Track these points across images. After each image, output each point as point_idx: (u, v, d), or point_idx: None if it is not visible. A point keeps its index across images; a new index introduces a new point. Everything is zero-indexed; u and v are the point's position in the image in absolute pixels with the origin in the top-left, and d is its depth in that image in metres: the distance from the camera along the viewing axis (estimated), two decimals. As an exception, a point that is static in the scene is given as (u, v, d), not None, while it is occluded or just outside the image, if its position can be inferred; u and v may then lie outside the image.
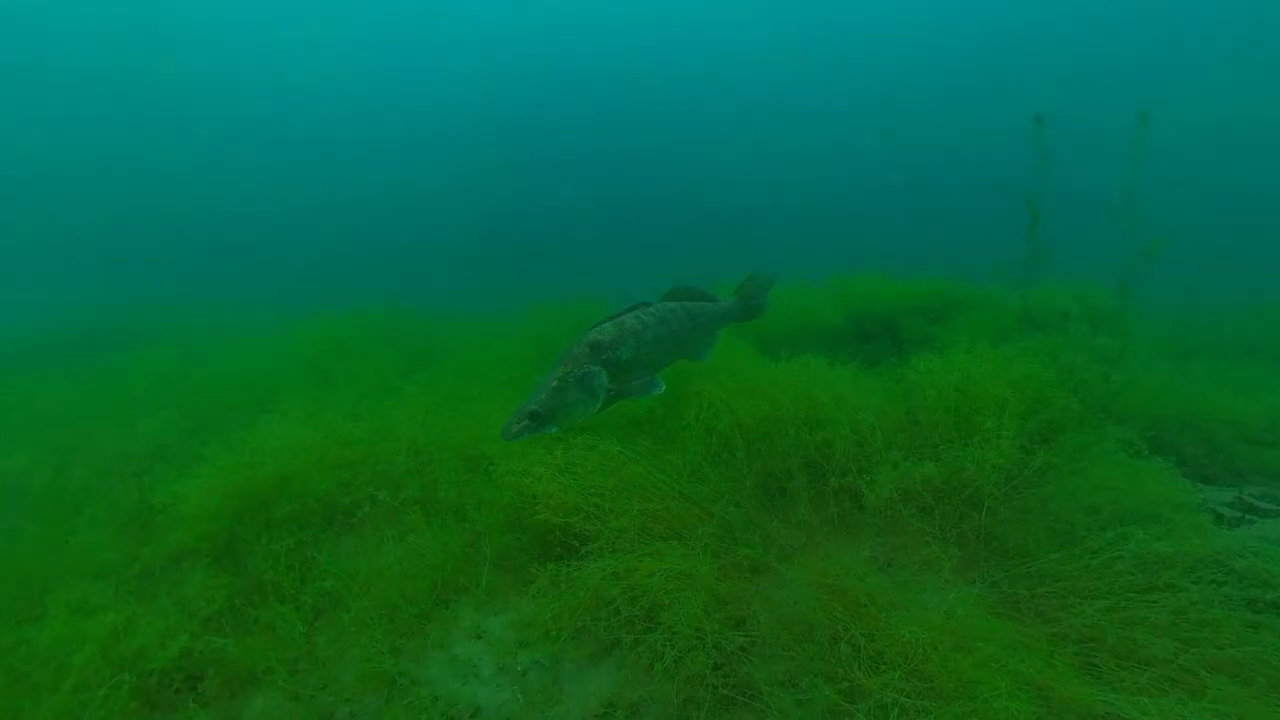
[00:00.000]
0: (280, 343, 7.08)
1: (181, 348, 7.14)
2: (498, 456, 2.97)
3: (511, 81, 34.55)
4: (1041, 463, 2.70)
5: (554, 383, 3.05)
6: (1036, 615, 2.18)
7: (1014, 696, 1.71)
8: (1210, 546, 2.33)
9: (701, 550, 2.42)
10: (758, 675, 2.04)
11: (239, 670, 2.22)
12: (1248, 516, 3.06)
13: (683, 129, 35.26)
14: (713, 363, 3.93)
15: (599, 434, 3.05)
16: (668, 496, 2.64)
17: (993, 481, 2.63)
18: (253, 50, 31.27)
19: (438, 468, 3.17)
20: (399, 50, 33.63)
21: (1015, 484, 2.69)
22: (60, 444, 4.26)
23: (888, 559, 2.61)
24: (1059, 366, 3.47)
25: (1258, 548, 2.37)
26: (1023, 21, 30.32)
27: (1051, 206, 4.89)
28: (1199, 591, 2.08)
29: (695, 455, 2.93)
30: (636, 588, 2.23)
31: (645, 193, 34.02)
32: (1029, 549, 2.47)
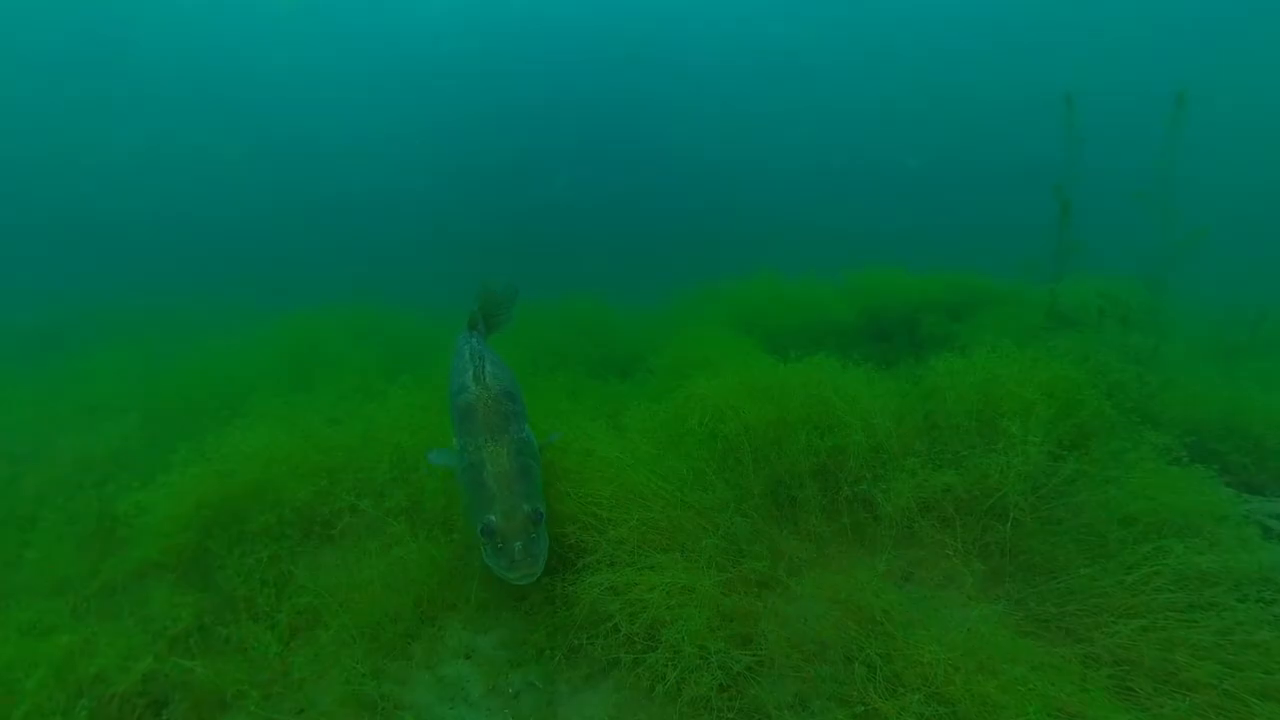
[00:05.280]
0: (254, 342, 7.07)
1: (146, 347, 7.13)
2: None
3: (504, 66, 34.59)
4: (1071, 470, 2.68)
5: (516, 466, 2.53)
6: (1067, 635, 2.16)
7: (1043, 722, 1.70)
8: (1257, 562, 2.30)
9: (706, 563, 2.41)
10: (766, 698, 2.03)
11: (208, 694, 2.21)
12: (1296, 529, 3.04)
13: (686, 117, 35.26)
14: (717, 362, 3.90)
15: (597, 438, 3.04)
16: (670, 505, 2.63)
17: (1018, 490, 2.62)
18: (223, 25, 31.28)
19: (424, 475, 3.16)
20: (381, 32, 33.68)
21: (1043, 493, 2.67)
22: (12, 451, 4.25)
23: (905, 573, 2.60)
24: (1090, 367, 3.45)
25: (1309, 563, 2.35)
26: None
27: (1083, 195, 4.88)
28: (1245, 611, 2.06)
29: (699, 461, 2.92)
30: (636, 603, 2.22)
31: (647, 183, 34.01)
32: (1058, 563, 2.46)
